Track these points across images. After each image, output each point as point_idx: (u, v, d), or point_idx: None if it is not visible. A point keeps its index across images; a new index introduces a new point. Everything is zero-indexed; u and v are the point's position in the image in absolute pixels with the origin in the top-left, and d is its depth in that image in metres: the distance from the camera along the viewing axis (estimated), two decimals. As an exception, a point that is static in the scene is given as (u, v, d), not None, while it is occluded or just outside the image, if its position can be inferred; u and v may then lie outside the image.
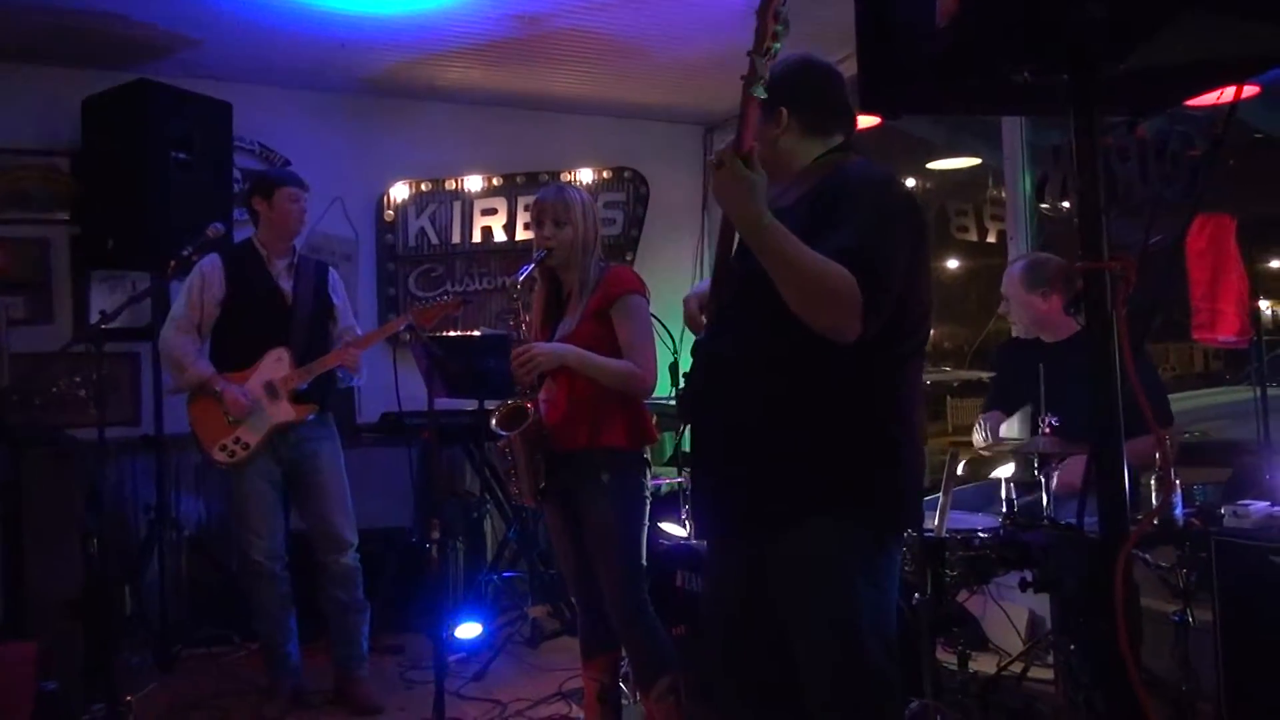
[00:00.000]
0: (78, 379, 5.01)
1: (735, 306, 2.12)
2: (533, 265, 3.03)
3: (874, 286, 1.89)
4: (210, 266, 3.90)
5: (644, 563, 3.04)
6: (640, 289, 3.07)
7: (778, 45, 1.81)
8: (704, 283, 2.31)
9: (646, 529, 3.07)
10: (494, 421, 2.98)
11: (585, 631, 3.21)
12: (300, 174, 4.15)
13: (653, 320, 3.18)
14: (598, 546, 3.00)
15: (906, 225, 2.04)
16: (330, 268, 4.17)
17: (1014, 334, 3.75)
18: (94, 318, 4.76)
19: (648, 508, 3.07)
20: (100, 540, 4.08)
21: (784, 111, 2.14)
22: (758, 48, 1.82)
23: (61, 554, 4.08)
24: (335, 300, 4.07)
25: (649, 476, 3.09)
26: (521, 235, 6.00)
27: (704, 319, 2.26)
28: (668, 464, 4.96)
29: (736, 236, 2.03)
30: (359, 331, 4.13)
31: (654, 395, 3.17)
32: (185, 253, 3.93)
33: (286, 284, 3.94)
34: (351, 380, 4.08)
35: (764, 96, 1.86)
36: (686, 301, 2.35)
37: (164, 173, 4.62)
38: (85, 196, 4.95)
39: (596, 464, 2.97)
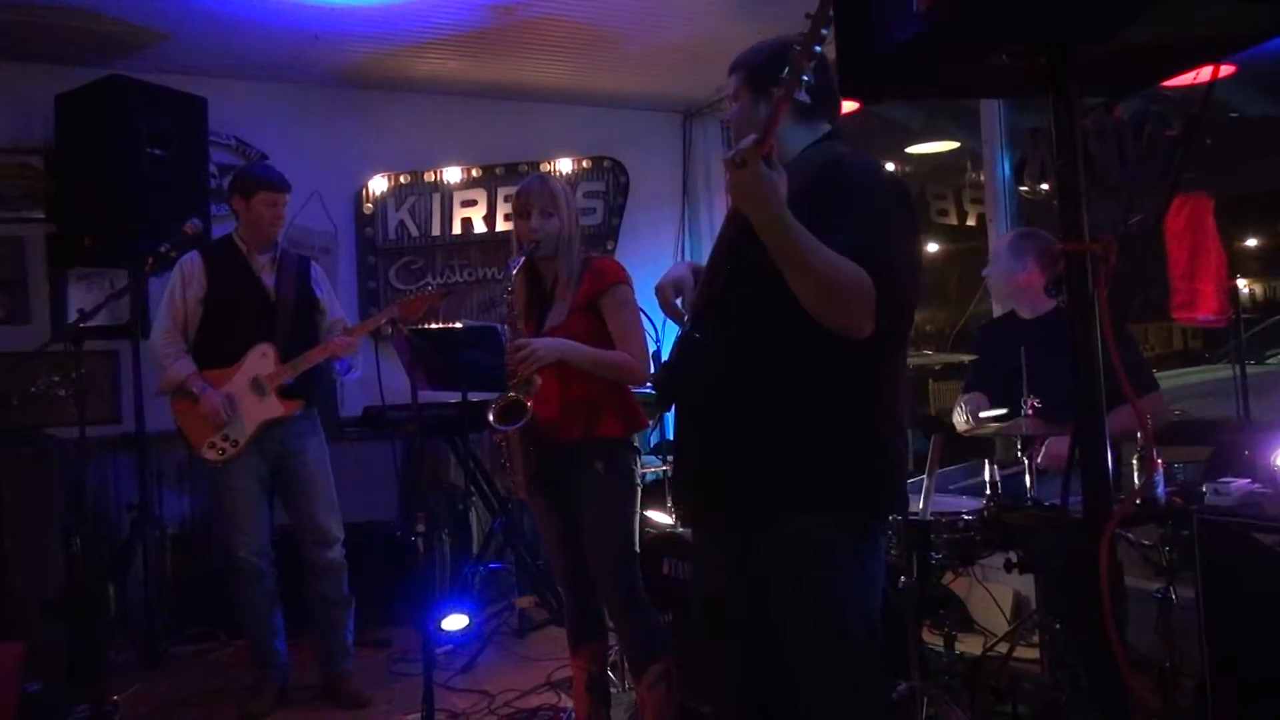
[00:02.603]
0: (57, 378, 4.97)
1: (725, 298, 2.12)
2: (523, 258, 3.01)
3: (887, 284, 1.89)
4: (190, 264, 3.88)
5: (637, 549, 3.04)
6: (627, 278, 3.07)
7: (817, 48, 1.78)
8: (676, 267, 2.30)
9: (639, 516, 3.07)
10: (491, 416, 2.96)
11: (572, 622, 3.20)
12: (277, 167, 4.12)
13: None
14: (592, 535, 3.00)
15: (907, 220, 2.04)
16: (313, 262, 4.15)
17: (993, 302, 3.76)
18: (72, 316, 4.73)
19: (639, 494, 3.07)
20: (82, 539, 4.06)
21: (775, 95, 2.13)
22: (806, 51, 1.77)
23: (43, 554, 4.06)
24: (319, 294, 4.06)
25: (639, 464, 3.09)
26: (502, 226, 5.99)
27: (682, 306, 2.26)
28: (651, 452, 4.96)
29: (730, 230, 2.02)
30: (349, 323, 4.11)
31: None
32: (163, 249, 3.90)
33: (269, 279, 3.92)
34: (346, 374, 4.06)
35: (808, 101, 1.82)
36: (660, 289, 2.32)
37: (139, 169, 4.58)
38: (60, 194, 4.90)
39: (591, 453, 2.97)
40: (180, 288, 3.85)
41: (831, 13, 1.74)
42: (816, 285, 1.89)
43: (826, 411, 2.03)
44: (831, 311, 1.90)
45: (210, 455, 3.79)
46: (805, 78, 1.78)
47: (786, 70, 1.80)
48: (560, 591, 3.31)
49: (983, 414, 3.39)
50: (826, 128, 2.20)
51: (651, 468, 4.60)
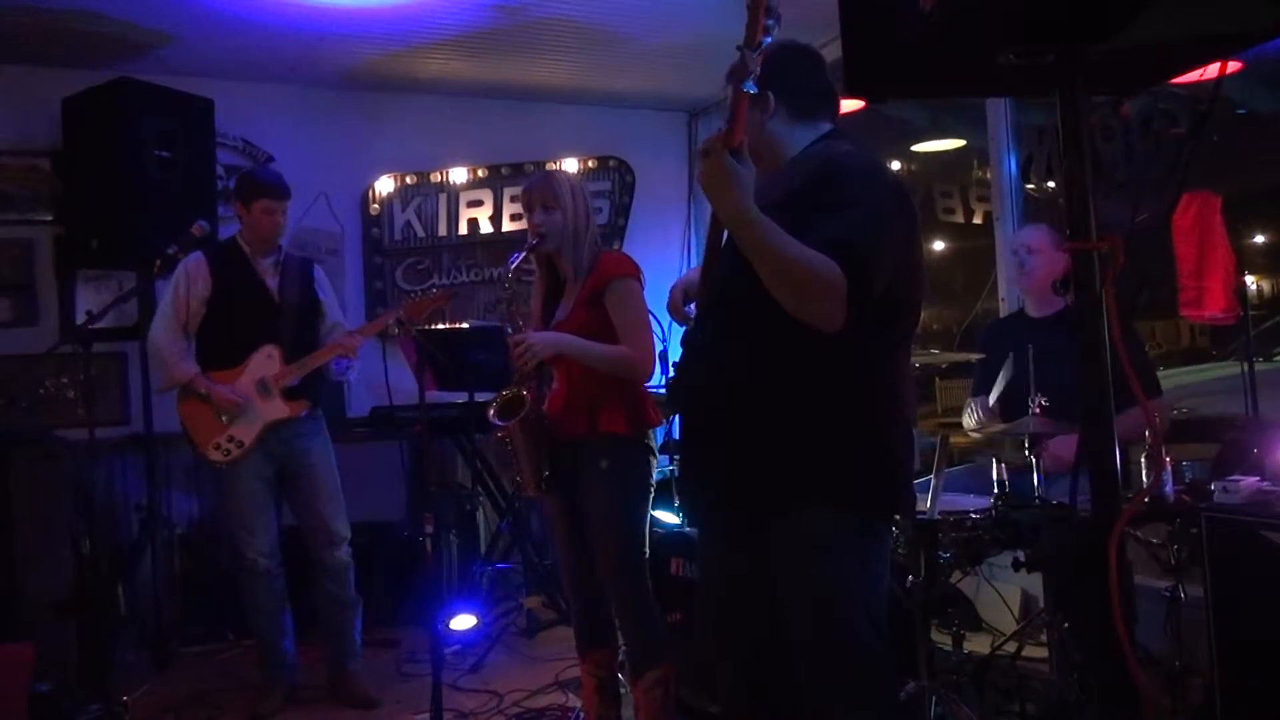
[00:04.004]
0: (65, 380, 5.00)
1: (724, 296, 2.12)
2: (523, 254, 3.01)
3: (859, 279, 1.89)
4: (195, 264, 3.88)
5: (645, 550, 3.03)
6: (634, 273, 3.06)
7: (767, 39, 1.80)
8: (693, 271, 2.31)
9: (649, 518, 3.06)
10: (491, 412, 2.96)
11: (579, 625, 3.19)
12: (284, 169, 4.15)
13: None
14: (597, 533, 2.99)
15: (898, 218, 2.04)
16: (315, 265, 4.16)
17: (1000, 300, 3.74)
18: (80, 318, 4.74)
19: (651, 495, 3.06)
20: (91, 541, 4.08)
21: (771, 97, 2.14)
22: (748, 41, 1.80)
23: (52, 555, 4.07)
24: (321, 296, 4.06)
25: (653, 464, 3.07)
26: (508, 226, 6.00)
27: (689, 308, 2.26)
28: (659, 451, 4.95)
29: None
30: (346, 327, 4.12)
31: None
32: (171, 250, 3.91)
33: (272, 282, 3.92)
34: (345, 374, 4.06)
35: (754, 92, 1.85)
36: (673, 290, 2.34)
37: (147, 171, 4.59)
38: (68, 196, 4.92)
39: (596, 451, 2.96)
40: (185, 287, 3.85)
41: (774, 4, 1.77)
42: (782, 276, 1.91)
43: (828, 410, 2.03)
44: (797, 302, 1.91)
45: (215, 456, 3.79)
46: (752, 69, 1.81)
47: (734, 68, 1.83)
48: (567, 594, 3.29)
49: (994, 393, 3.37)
50: (828, 126, 2.21)
51: (658, 467, 4.60)
